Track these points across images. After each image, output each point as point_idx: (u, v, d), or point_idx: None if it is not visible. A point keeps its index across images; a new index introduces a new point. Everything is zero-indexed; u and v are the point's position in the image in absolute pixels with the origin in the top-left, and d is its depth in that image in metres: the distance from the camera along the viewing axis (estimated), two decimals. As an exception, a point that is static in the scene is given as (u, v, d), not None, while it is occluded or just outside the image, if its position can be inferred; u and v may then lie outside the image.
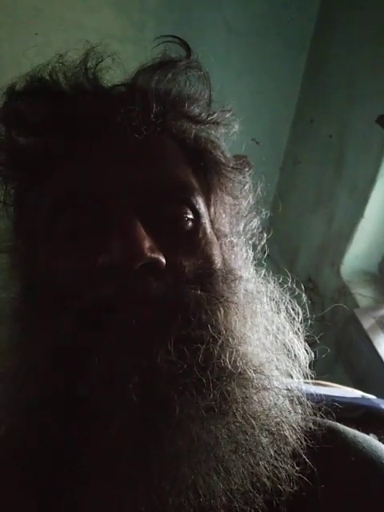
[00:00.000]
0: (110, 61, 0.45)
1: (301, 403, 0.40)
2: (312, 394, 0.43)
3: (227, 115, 0.49)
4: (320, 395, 0.45)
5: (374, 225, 1.62)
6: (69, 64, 0.44)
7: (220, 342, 0.36)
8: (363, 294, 1.64)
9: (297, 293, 0.48)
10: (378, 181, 1.52)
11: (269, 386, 0.37)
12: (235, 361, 0.36)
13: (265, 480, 0.34)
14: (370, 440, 0.43)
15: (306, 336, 0.45)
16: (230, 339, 0.37)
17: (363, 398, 0.78)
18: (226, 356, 0.35)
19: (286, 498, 0.35)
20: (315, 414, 0.42)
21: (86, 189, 0.40)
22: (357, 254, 1.71)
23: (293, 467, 0.36)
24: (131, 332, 0.34)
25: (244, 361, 0.37)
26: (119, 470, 0.31)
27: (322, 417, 0.43)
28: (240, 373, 0.36)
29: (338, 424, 0.44)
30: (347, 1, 1.66)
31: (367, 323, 1.51)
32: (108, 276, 0.36)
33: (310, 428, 0.39)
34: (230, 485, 0.33)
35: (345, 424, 0.45)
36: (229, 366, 0.35)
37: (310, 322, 0.48)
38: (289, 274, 0.48)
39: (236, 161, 0.50)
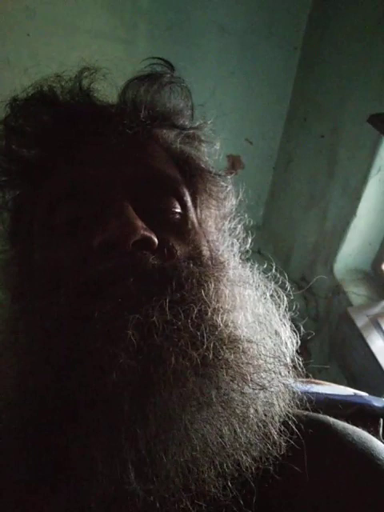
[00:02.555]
0: (102, 75, 0.49)
1: (287, 385, 0.41)
2: (304, 392, 0.43)
3: (209, 122, 0.53)
4: (312, 392, 0.45)
5: (366, 223, 1.63)
6: (66, 78, 0.48)
7: (212, 306, 0.38)
8: (356, 293, 1.65)
9: (286, 285, 0.49)
10: (370, 179, 1.53)
11: (257, 354, 0.39)
12: (226, 322, 0.38)
13: (255, 436, 0.36)
14: (360, 432, 0.43)
15: (299, 330, 0.46)
16: (221, 306, 0.39)
17: (356, 395, 0.79)
18: (217, 317, 0.38)
19: (273, 466, 0.36)
20: (306, 410, 0.42)
21: (82, 183, 0.43)
22: (350, 252, 1.72)
23: (281, 431, 0.38)
24: (128, 296, 0.36)
25: (234, 325, 0.39)
26: (119, 418, 0.32)
27: (313, 412, 0.44)
28: (231, 333, 0.38)
29: (328, 417, 0.45)
30: (339, 1, 1.67)
31: (360, 321, 1.52)
32: (105, 254, 0.38)
33: (299, 420, 0.40)
34: (223, 436, 0.34)
35: (336, 420, 0.45)
36: (221, 324, 0.37)
37: (305, 320, 0.49)
38: (273, 261, 0.50)
39: (229, 161, 0.53)
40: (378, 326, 1.51)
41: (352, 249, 1.71)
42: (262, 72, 1.96)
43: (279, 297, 0.47)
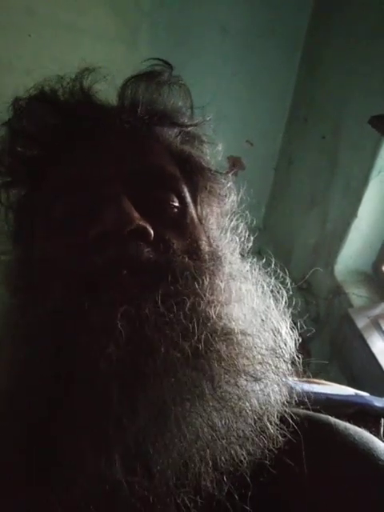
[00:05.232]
0: (102, 76, 0.50)
1: (283, 378, 0.40)
2: (305, 392, 0.43)
3: (208, 118, 0.53)
4: (313, 392, 0.45)
5: (367, 224, 1.64)
6: (67, 79, 0.49)
7: (205, 299, 0.38)
8: (357, 294, 1.66)
9: (286, 280, 0.49)
10: (371, 181, 1.53)
11: (252, 346, 0.38)
12: (220, 314, 0.38)
13: (250, 429, 0.35)
14: (362, 432, 0.43)
15: (298, 327, 0.46)
16: (215, 299, 0.39)
17: (356, 395, 0.79)
18: (211, 309, 0.37)
19: (269, 460, 0.36)
20: (308, 409, 0.42)
21: (79, 179, 0.44)
22: (351, 253, 1.72)
23: (278, 425, 0.37)
24: (122, 289, 0.36)
25: (228, 317, 0.38)
26: (107, 409, 0.32)
27: (315, 411, 0.43)
28: (224, 325, 0.37)
29: (329, 417, 0.44)
30: (341, 1, 1.68)
31: (361, 322, 1.53)
32: (101, 245, 0.38)
33: (299, 418, 0.40)
34: (216, 429, 0.33)
35: (337, 420, 0.45)
36: (214, 316, 0.37)
37: (305, 322, 0.49)
38: (272, 256, 0.50)
39: (230, 162, 0.53)
40: (378, 327, 1.51)
41: (353, 250, 1.71)
42: (263, 73, 1.96)
43: (279, 292, 0.47)
